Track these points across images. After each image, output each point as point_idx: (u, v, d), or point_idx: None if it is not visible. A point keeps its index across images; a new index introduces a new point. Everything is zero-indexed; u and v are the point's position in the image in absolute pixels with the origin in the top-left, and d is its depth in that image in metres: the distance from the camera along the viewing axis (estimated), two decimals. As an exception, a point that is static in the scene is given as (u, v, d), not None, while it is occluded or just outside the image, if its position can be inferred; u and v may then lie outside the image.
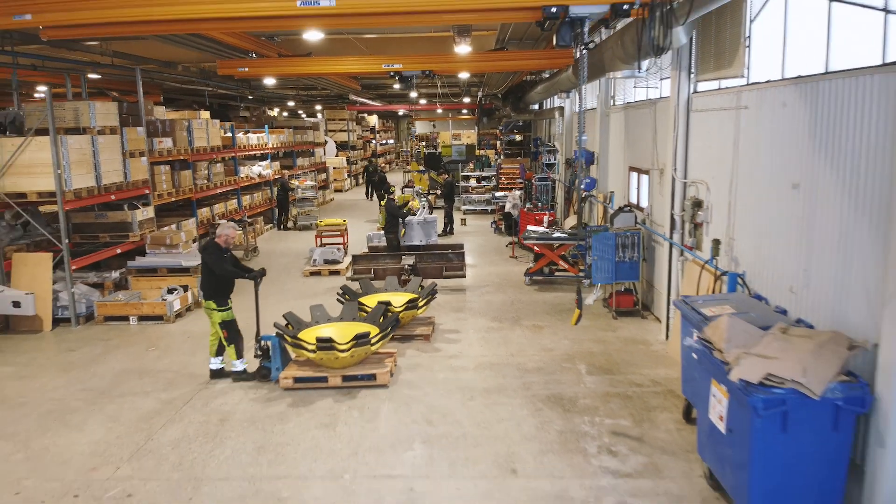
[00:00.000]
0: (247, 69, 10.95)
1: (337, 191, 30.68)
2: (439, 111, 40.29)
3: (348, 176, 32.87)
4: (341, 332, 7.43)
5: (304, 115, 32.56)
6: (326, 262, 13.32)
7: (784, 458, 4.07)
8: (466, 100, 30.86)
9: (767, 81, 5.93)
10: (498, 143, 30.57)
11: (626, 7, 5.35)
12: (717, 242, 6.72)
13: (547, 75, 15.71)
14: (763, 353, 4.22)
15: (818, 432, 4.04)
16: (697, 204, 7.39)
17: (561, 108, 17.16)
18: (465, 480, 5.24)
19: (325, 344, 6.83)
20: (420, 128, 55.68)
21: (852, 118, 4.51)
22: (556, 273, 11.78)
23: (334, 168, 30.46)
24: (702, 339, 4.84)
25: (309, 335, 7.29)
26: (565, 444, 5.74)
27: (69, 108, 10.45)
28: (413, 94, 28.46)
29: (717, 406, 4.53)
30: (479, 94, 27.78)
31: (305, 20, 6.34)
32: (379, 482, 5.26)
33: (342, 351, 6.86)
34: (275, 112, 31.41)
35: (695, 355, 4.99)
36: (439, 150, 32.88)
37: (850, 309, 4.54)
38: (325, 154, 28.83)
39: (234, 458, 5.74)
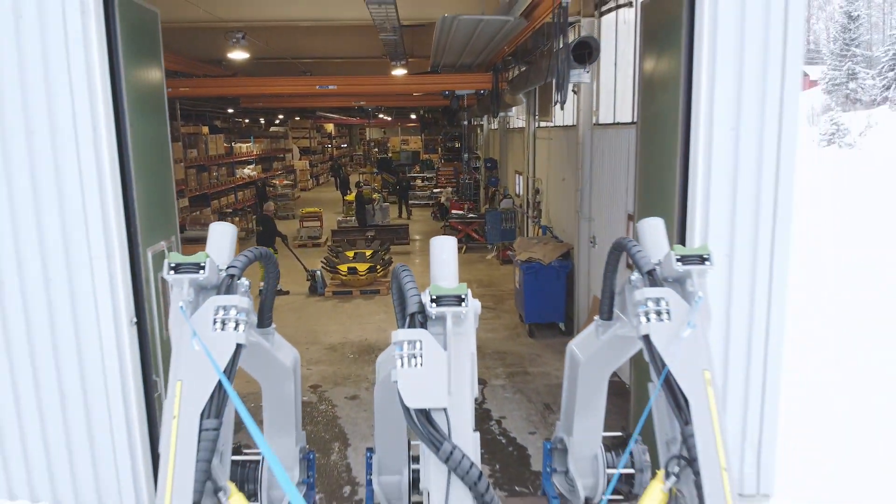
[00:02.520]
0: (260, 103, 16.18)
1: (302, 189, 35.75)
2: (388, 119, 45.65)
3: (311, 177, 37.95)
4: (360, 266, 12.88)
5: (262, 121, 37.24)
6: (310, 238, 18.61)
7: (538, 292, 9.68)
8: (412, 115, 36.33)
9: (558, 126, 11.61)
10: (440, 148, 36.17)
11: (482, 92, 10.91)
12: (540, 211, 12.41)
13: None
14: (530, 250, 9.85)
15: (551, 280, 9.66)
16: (537, 191, 13.06)
17: (482, 125, 22.82)
18: (405, 323, 10.74)
19: (353, 270, 12.38)
20: (372, 133, 60.87)
21: (573, 146, 10.18)
22: (470, 243, 17.40)
23: (300, 170, 35.53)
24: (511, 250, 10.47)
25: (342, 267, 12.75)
26: (456, 311, 11.32)
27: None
28: (382, 116, 33.72)
29: (516, 278, 10.15)
30: (421, 110, 33.29)
31: (321, 93, 11.76)
32: (363, 326, 10.71)
33: (361, 275, 12.39)
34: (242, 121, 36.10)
35: (511, 258, 10.62)
36: (390, 154, 38.26)
37: (579, 234, 10.20)
38: (292, 158, 33.93)
39: (286, 320, 11.08)
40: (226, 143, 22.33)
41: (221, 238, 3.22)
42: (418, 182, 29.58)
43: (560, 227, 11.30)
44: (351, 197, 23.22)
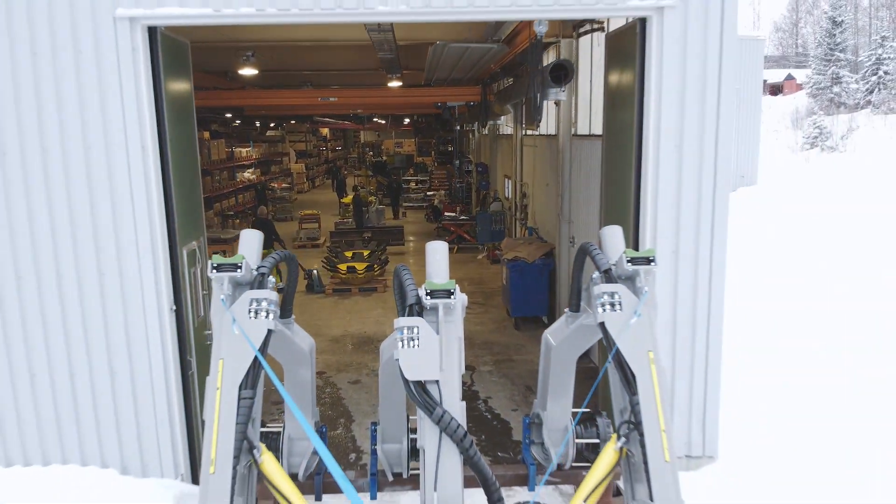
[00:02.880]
0: (263, 111, 17.00)
1: (299, 192, 36.55)
2: (382, 122, 46.48)
3: (307, 179, 38.75)
4: (358, 265, 13.72)
5: (257, 125, 38.08)
6: (309, 238, 19.43)
7: (522, 288, 10.54)
8: (406, 119, 37.16)
9: (542, 135, 12.48)
10: (433, 152, 37.02)
11: (472, 104, 11.77)
12: (526, 214, 13.29)
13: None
14: (515, 250, 10.72)
15: (534, 277, 10.53)
16: (524, 195, 13.93)
17: (473, 130, 23.66)
18: (401, 317, 11.59)
19: (352, 269, 13.21)
20: (366, 136, 61.65)
21: (555, 154, 11.04)
22: (462, 243, 18.26)
23: (297, 173, 36.33)
24: (499, 249, 11.34)
25: (342, 266, 13.59)
26: (448, 306, 12.18)
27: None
28: (376, 119, 34.58)
29: (503, 275, 11.02)
30: (415, 115, 34.14)
31: (323, 104, 12.65)
32: (362, 320, 11.55)
33: (360, 274, 13.24)
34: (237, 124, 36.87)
35: (498, 258, 11.49)
36: (384, 158, 39.08)
37: (560, 235, 11.07)
38: (290, 161, 34.73)
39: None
40: (226, 147, 23.12)
41: (251, 242, 4.03)
42: (412, 185, 30.40)
43: (544, 228, 12.17)
44: (347, 199, 24.05)
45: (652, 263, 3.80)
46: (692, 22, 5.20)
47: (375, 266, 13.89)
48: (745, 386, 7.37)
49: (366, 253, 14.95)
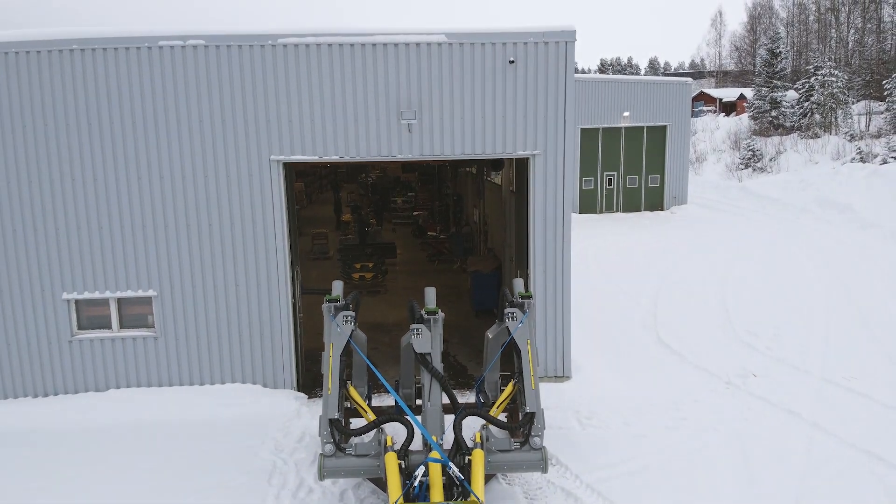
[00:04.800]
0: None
1: (300, 208, 41.73)
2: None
3: (305, 196, 43.96)
4: (367, 274, 19.07)
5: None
6: (321, 252, 24.76)
7: (481, 290, 16.00)
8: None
9: (496, 182, 17.98)
10: (417, 171, 42.31)
11: (445, 166, 17.24)
12: (487, 235, 18.82)
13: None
14: (476, 264, 16.23)
15: (489, 283, 15.99)
16: (486, 222, 19.44)
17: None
18: (398, 308, 17.00)
19: (362, 277, 18.60)
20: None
21: (500, 200, 16.53)
22: (441, 257, 23.69)
23: (297, 191, 41.56)
24: (465, 264, 16.84)
25: (355, 275, 18.93)
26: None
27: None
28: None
29: (469, 281, 16.52)
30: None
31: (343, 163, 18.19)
32: (371, 312, 16.95)
33: (368, 280, 18.63)
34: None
35: (466, 269, 17.01)
36: (374, 177, 44.31)
37: (504, 254, 16.55)
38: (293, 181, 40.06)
39: (315, 309, 17.29)
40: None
41: (339, 287, 9.20)
42: (399, 201, 35.69)
43: (497, 248, 17.69)
44: (347, 217, 29.32)
45: (531, 298, 8.96)
46: (549, 160, 10.73)
47: (379, 275, 19.26)
48: (586, 336, 12.98)
49: (371, 264, 20.35)
